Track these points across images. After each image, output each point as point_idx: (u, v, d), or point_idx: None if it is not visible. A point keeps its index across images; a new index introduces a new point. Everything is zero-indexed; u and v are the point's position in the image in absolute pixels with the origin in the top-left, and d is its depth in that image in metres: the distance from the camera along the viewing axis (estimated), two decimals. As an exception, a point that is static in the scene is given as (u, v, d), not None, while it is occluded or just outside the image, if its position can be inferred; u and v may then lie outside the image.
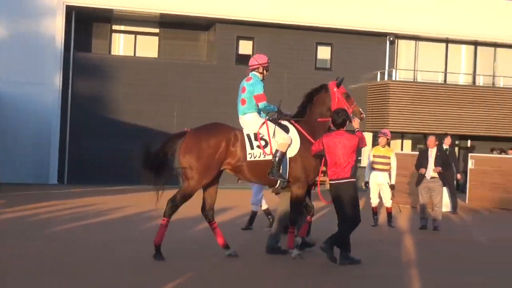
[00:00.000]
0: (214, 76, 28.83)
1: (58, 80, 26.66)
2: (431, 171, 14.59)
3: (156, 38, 30.30)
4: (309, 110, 10.50)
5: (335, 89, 10.49)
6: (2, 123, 24.55)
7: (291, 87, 29.47)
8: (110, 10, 28.26)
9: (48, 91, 26.17)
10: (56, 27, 26.69)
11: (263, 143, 9.87)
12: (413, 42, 31.82)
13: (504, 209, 19.85)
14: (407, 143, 31.71)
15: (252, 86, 10.27)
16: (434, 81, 31.57)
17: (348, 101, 10.44)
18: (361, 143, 9.72)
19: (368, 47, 30.66)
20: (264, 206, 13.45)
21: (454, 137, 25.78)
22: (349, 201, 9.63)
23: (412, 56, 31.93)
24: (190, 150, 9.66)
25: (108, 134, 26.92)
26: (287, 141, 9.97)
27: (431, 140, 15.05)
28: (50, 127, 26.01)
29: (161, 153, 9.76)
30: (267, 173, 9.79)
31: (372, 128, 29.83)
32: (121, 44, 30.26)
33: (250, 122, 10.17)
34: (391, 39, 30.87)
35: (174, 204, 9.61)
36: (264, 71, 10.46)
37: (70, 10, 27.29)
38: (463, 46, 32.61)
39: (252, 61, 10.52)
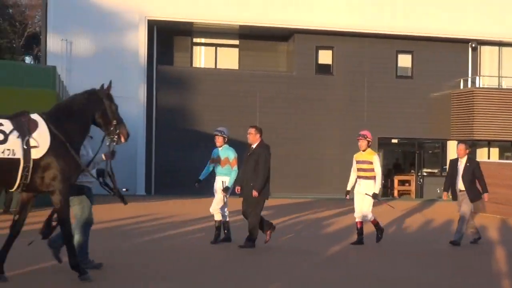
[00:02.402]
0: (294, 86, 28.91)
1: (142, 93, 27.27)
2: (459, 183, 13.31)
3: (236, 50, 30.61)
4: None
5: None
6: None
7: (371, 96, 29.33)
8: (191, 24, 28.74)
9: (133, 104, 26.70)
10: (139, 42, 27.33)
11: None
12: (496, 48, 31.12)
13: None
14: (494, 151, 31.00)
15: None
16: (520, 87, 30.81)
17: None
18: None
19: (450, 54, 30.15)
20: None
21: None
22: None
23: (496, 62, 31.20)
24: None
25: (190, 145, 27.29)
26: None
27: (460, 148, 13.54)
28: (137, 139, 26.40)
29: None
30: None
31: (457, 136, 29.28)
32: (202, 57, 30.69)
33: None
34: (474, 45, 30.27)
35: None
36: None
37: (152, 25, 27.89)
38: (550, 51, 31.69)
39: None
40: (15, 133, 7.90)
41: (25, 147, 7.89)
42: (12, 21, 48.82)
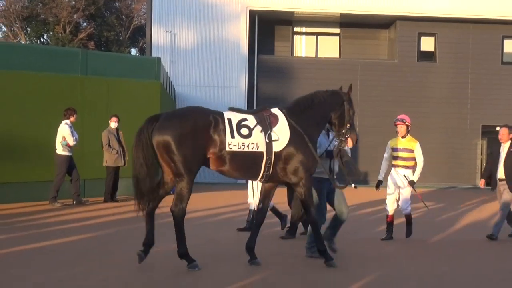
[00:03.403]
0: (396, 74, 28.63)
1: (243, 82, 27.69)
2: (499, 171, 11.93)
3: (337, 38, 30.58)
4: None
5: None
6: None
7: (475, 83, 28.71)
8: (292, 13, 28.91)
9: (234, 93, 27.26)
10: (240, 32, 27.73)
11: None
12: None
13: None
14: None
15: None
16: None
17: None
18: None
19: (561, 38, 29.14)
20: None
21: None
22: None
23: None
24: None
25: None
26: None
27: (503, 132, 12.07)
28: (237, 128, 26.82)
29: None
30: None
31: None
32: (303, 46, 30.82)
33: None
34: None
35: None
36: None
37: (253, 15, 28.25)
38: None
39: None
40: (258, 128, 8.42)
41: (267, 140, 8.39)
42: (119, 15, 50.33)
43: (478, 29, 28.87)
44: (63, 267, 8.34)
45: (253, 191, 11.69)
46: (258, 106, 9.13)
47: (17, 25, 46.69)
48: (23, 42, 44.49)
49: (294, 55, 30.36)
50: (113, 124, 16.63)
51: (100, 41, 49.07)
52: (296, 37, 30.80)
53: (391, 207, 11.46)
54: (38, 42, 47.64)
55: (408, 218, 11.50)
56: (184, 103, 26.91)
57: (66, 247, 9.91)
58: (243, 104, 27.38)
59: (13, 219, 12.93)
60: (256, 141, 8.34)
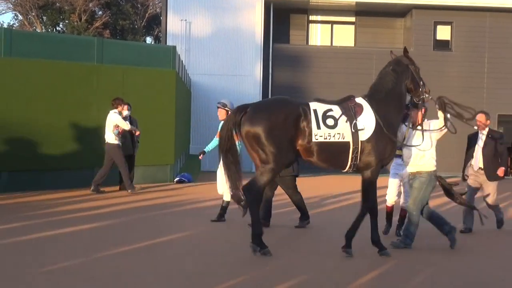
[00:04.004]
0: (411, 63, 28.46)
1: (258, 71, 27.67)
2: (479, 160, 11.51)
3: (352, 27, 30.47)
4: None
5: None
6: (207, 115, 25.92)
7: (492, 72, 28.55)
8: (307, 1, 28.83)
9: (249, 82, 27.25)
10: (255, 20, 27.69)
11: None
12: None
13: None
14: None
15: None
16: None
17: None
18: None
19: None
20: None
21: None
22: None
23: None
24: None
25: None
26: None
27: (480, 119, 11.40)
28: (252, 116, 26.87)
29: None
30: None
31: None
32: (318, 34, 30.72)
33: None
34: None
35: None
36: None
37: (268, 3, 28.18)
38: None
39: None
40: (344, 118, 8.54)
41: (353, 130, 8.51)
42: (134, 3, 50.39)
43: (494, 18, 28.67)
44: (74, 256, 8.37)
45: (220, 181, 11.30)
46: (342, 96, 8.99)
47: (33, 14, 46.86)
48: (39, 31, 44.64)
49: (309, 44, 30.27)
50: (124, 112, 16.62)
51: (115, 29, 49.16)
52: (311, 25, 30.70)
53: (392, 198, 10.87)
54: (54, 30, 47.80)
55: (404, 213, 10.62)
56: (199, 91, 27.00)
57: (79, 235, 9.96)
58: (257, 93, 27.37)
59: (25, 207, 12.99)
60: (342, 131, 8.43)
